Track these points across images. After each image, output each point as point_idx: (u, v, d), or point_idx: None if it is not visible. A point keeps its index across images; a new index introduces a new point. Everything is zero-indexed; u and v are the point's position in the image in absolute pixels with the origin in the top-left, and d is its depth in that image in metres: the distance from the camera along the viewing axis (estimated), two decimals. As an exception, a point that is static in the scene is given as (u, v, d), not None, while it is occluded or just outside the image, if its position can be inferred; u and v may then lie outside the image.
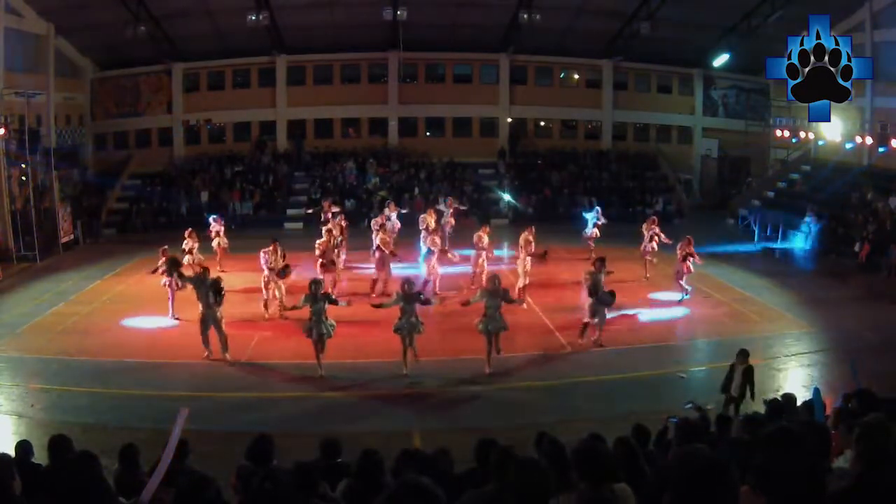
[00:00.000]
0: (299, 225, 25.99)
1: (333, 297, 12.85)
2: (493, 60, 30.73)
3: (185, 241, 17.51)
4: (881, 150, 23.01)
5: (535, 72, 31.63)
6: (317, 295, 11.96)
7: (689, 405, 8.23)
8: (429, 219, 18.46)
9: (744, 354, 10.08)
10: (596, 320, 13.28)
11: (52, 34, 25.36)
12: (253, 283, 17.65)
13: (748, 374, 9.94)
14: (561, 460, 4.80)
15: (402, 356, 12.03)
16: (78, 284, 18.57)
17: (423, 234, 17.63)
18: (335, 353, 12.80)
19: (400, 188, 28.46)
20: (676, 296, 16.43)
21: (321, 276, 14.54)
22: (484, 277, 15.17)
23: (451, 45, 29.77)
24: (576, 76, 32.37)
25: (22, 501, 3.95)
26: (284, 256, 15.59)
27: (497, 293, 11.97)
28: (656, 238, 18.23)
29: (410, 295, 11.90)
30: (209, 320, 12.69)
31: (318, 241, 16.69)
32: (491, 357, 12.13)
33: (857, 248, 21.24)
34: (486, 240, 16.81)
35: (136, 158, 29.86)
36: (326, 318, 11.98)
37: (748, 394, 9.86)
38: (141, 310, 15.78)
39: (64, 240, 22.98)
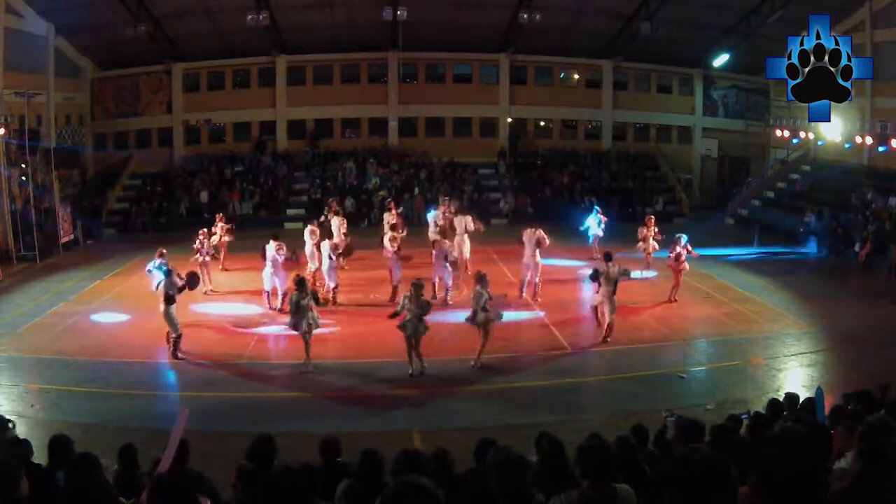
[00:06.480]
0: (299, 225, 25.92)
1: (318, 296, 13.06)
2: (493, 60, 30.73)
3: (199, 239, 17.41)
4: (881, 149, 23.01)
5: (535, 72, 31.61)
6: (304, 290, 12.09)
7: (668, 413, 7.85)
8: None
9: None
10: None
11: (52, 34, 25.33)
12: (253, 283, 17.67)
13: None
14: (560, 460, 4.79)
15: (408, 356, 12.02)
16: (78, 284, 18.55)
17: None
18: (335, 352, 12.80)
19: (400, 188, 28.45)
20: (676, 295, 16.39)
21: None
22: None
23: (451, 45, 29.75)
24: (576, 76, 32.36)
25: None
26: None
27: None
28: (656, 239, 18.26)
29: (418, 298, 11.91)
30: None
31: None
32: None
33: (857, 248, 21.25)
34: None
35: (136, 158, 29.88)
36: (311, 311, 12.07)
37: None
38: (141, 310, 15.76)
39: (64, 240, 22.95)
